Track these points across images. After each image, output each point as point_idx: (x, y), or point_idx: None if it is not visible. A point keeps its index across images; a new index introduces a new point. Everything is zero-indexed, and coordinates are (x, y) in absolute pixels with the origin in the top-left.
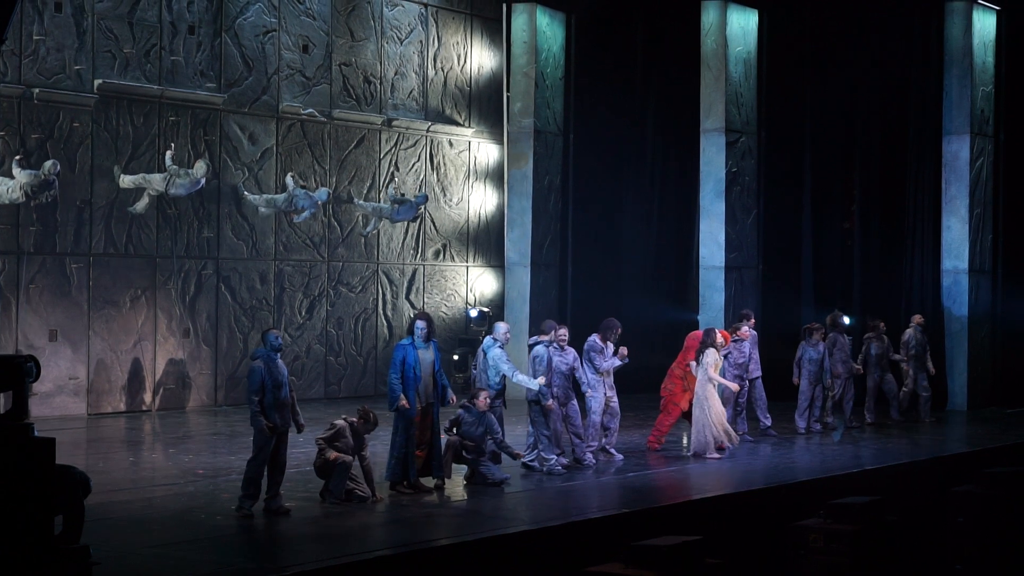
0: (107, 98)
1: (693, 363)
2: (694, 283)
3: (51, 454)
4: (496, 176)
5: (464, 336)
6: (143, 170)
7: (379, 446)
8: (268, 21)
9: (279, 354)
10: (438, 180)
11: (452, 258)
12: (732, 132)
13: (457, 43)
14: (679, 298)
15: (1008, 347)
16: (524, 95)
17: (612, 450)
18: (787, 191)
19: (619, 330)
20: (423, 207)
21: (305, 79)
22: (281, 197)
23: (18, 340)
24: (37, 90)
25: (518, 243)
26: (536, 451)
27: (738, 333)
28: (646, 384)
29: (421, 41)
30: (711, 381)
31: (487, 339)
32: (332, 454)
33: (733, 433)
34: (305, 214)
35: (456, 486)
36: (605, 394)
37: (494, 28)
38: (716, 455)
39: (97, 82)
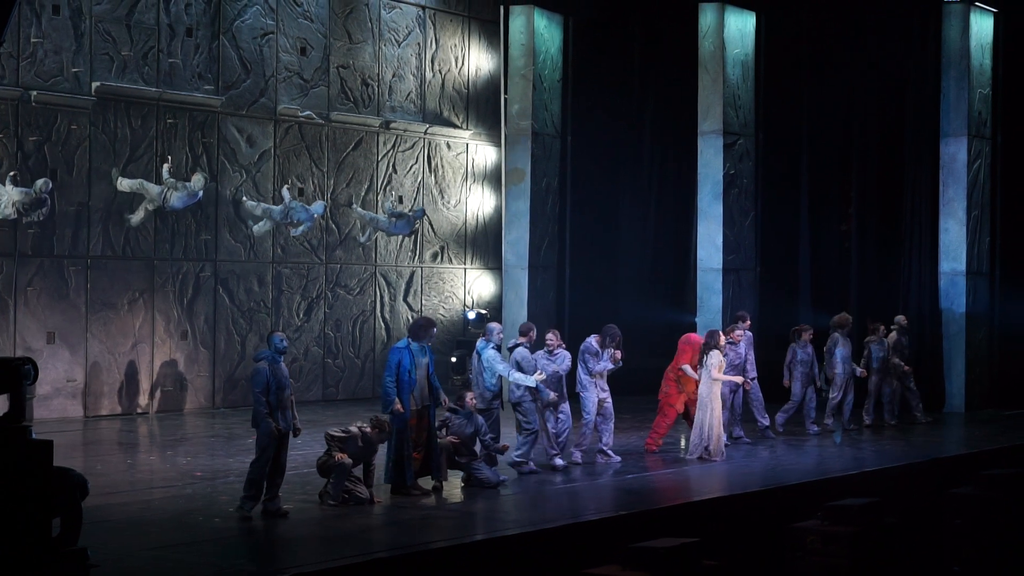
0: (105, 100)
1: (687, 367)
2: (692, 285)
3: (49, 456)
4: (494, 178)
5: (462, 338)
6: (141, 173)
7: (378, 448)
8: (266, 23)
9: (282, 357)
10: (436, 182)
11: (450, 260)
12: (730, 134)
13: (455, 45)
14: (677, 300)
15: (1006, 349)
16: (522, 97)
17: (610, 452)
18: (785, 193)
19: (620, 339)
20: (419, 222)
21: (303, 81)
22: (278, 209)
23: (16, 343)
24: (35, 92)
25: (516, 245)
26: (524, 448)
27: (731, 335)
28: (644, 386)
29: (419, 43)
30: (717, 381)
31: (480, 341)
32: (338, 455)
33: (721, 446)
34: (302, 227)
35: (454, 488)
36: (598, 396)
37: (492, 30)
38: (715, 457)
39: (95, 84)
